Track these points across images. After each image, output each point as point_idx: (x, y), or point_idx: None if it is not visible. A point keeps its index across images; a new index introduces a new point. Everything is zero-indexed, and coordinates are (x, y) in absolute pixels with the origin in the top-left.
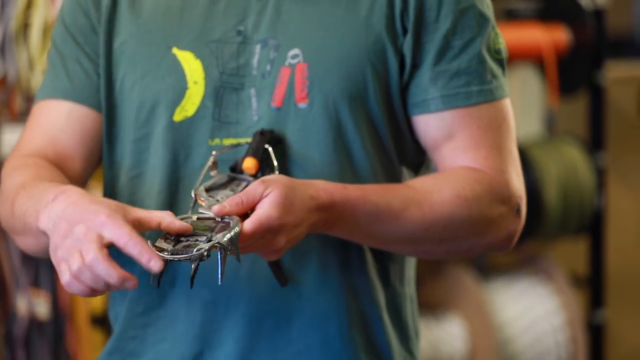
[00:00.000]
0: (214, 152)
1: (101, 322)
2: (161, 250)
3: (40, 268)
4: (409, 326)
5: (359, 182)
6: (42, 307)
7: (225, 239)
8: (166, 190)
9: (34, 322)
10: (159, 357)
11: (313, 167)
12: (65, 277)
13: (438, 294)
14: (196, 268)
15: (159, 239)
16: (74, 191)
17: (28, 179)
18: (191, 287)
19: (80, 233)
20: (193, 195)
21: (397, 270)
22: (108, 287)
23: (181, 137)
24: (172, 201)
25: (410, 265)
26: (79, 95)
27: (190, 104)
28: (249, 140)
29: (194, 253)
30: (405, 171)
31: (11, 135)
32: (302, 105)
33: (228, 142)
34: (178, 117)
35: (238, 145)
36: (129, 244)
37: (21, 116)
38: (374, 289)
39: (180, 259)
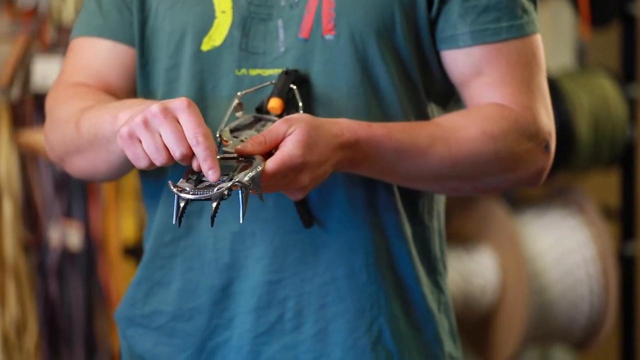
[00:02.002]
0: (238, 93)
1: (133, 252)
2: (182, 190)
3: (73, 198)
4: (437, 260)
5: (386, 116)
6: (74, 237)
7: (246, 177)
8: None
9: (66, 253)
10: (187, 287)
11: (339, 99)
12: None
13: (469, 226)
14: (217, 207)
15: (181, 180)
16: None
17: (93, 102)
18: (212, 225)
19: (154, 107)
20: (217, 136)
21: (425, 204)
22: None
23: (209, 67)
24: None
25: (439, 199)
26: (114, 32)
27: (217, 34)
28: (274, 72)
29: (214, 192)
30: (433, 106)
31: (43, 65)
32: (329, 36)
33: (254, 72)
34: (206, 46)
35: (262, 86)
36: (198, 136)
37: (53, 47)
38: (402, 223)
39: (201, 197)
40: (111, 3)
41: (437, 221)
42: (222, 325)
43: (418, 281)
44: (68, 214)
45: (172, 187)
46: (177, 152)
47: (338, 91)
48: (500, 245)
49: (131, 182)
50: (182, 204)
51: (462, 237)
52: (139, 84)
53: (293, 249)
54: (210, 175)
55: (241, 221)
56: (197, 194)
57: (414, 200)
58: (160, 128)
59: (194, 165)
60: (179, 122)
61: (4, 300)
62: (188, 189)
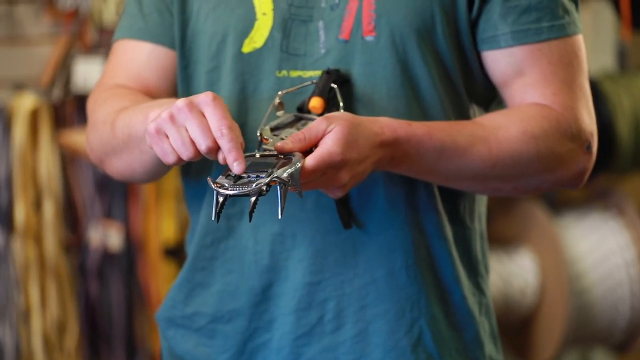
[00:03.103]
0: (279, 92)
1: (173, 253)
2: (221, 186)
3: (113, 198)
4: (478, 262)
5: (426, 117)
6: (114, 238)
7: (285, 174)
8: (236, 122)
9: (106, 254)
10: (227, 289)
11: (379, 101)
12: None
13: (510, 228)
14: (255, 203)
15: (220, 176)
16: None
17: (129, 103)
18: (250, 221)
19: (180, 102)
20: (258, 135)
21: (466, 205)
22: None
23: (249, 69)
24: (242, 132)
25: (481, 201)
26: (154, 34)
27: (258, 35)
28: (315, 73)
29: (252, 188)
30: (475, 107)
31: (84, 66)
32: (369, 38)
33: (295, 74)
34: (247, 48)
35: (303, 85)
36: (223, 128)
37: (94, 48)
38: (442, 223)
39: (239, 193)
40: (152, 5)
41: (479, 223)
42: (262, 327)
43: (459, 283)
44: (108, 214)
45: (211, 183)
46: (202, 146)
47: (378, 92)
48: (541, 248)
49: (171, 183)
50: (220, 200)
51: (502, 239)
52: (180, 85)
53: (333, 250)
54: (235, 167)
55: (279, 216)
56: (236, 190)
57: (455, 201)
58: (186, 122)
59: (220, 159)
60: (204, 116)
61: (45, 300)
62: (227, 184)
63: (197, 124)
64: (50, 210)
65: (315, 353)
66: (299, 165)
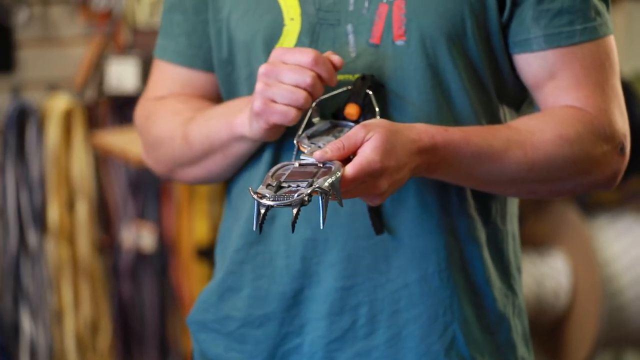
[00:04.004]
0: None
1: (206, 254)
2: (262, 196)
3: (146, 200)
4: (510, 263)
5: (457, 121)
6: (146, 239)
7: (326, 183)
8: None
9: (139, 255)
10: (257, 294)
11: (410, 105)
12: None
13: (542, 230)
14: (297, 213)
15: (261, 186)
16: None
17: (189, 113)
18: (292, 231)
19: (261, 69)
20: (295, 143)
21: (498, 207)
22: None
23: None
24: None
25: (512, 202)
26: (185, 58)
27: (287, 41)
28: (345, 77)
29: (294, 198)
30: (506, 109)
31: (117, 67)
32: (400, 42)
33: None
34: None
35: (338, 92)
36: (309, 54)
37: (127, 49)
38: (474, 227)
39: (281, 204)
40: (182, 26)
41: (510, 224)
42: (293, 331)
43: (491, 285)
44: (141, 215)
45: (252, 194)
46: (308, 79)
47: (409, 96)
48: (574, 250)
49: (203, 187)
50: (262, 211)
51: (535, 241)
52: (224, 92)
53: (366, 254)
54: (336, 60)
55: (322, 227)
56: (277, 200)
57: (487, 204)
58: (279, 76)
59: (323, 74)
60: (286, 61)
61: (78, 300)
62: (268, 195)
63: (289, 69)
64: (83, 210)
65: (348, 358)
66: (339, 174)
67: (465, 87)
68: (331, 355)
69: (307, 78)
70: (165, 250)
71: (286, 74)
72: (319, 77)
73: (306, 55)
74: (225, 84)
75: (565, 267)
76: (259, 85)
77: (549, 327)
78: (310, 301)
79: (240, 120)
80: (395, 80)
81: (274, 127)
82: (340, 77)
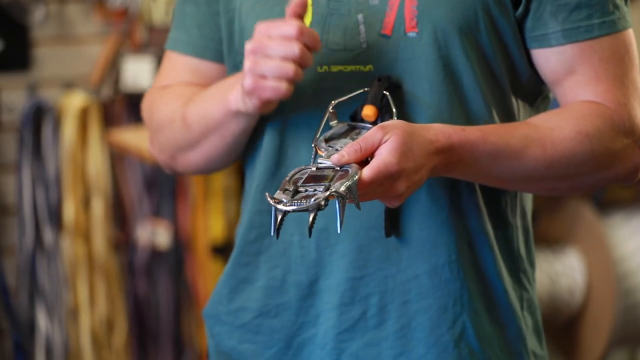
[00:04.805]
0: (332, 102)
1: (221, 252)
2: (279, 201)
3: (162, 197)
4: (521, 257)
5: (468, 114)
6: (162, 237)
7: (343, 187)
8: (278, 117)
9: (154, 252)
10: (273, 284)
11: (422, 97)
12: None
13: (556, 227)
14: (314, 218)
15: (278, 191)
16: None
17: (188, 96)
18: (309, 236)
19: (247, 46)
20: (313, 147)
21: (508, 201)
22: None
23: None
24: (285, 126)
25: (525, 197)
26: (196, 49)
27: None
28: (355, 68)
29: (311, 203)
30: (520, 104)
31: (133, 65)
32: (412, 34)
33: (336, 68)
34: None
35: (355, 94)
36: (290, 25)
37: (143, 47)
38: (484, 220)
39: (298, 209)
40: (194, 18)
41: (522, 219)
42: (309, 321)
43: (501, 278)
44: (157, 213)
45: (269, 199)
46: (295, 49)
47: (420, 89)
48: (588, 247)
49: (220, 181)
50: (279, 216)
51: (549, 238)
52: None
53: (376, 245)
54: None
55: (339, 231)
56: (294, 205)
57: (497, 198)
58: (266, 51)
59: (310, 43)
60: (271, 36)
61: (93, 298)
62: (285, 200)
63: (275, 43)
64: (99, 208)
65: (359, 348)
66: (356, 177)
67: (478, 80)
68: (342, 346)
69: (295, 49)
70: (180, 248)
71: (273, 48)
72: (306, 46)
73: (290, 27)
74: (233, 74)
75: (580, 264)
76: (247, 63)
77: (564, 324)
78: (323, 291)
79: (233, 97)
80: (406, 72)
81: (268, 102)
82: (350, 67)
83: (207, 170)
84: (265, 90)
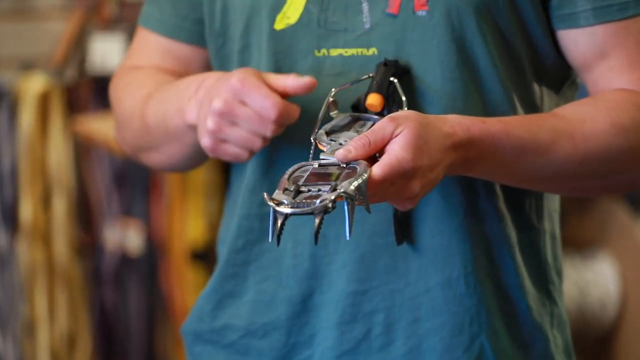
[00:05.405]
0: (332, 90)
1: (202, 257)
2: (279, 203)
3: (133, 194)
4: (548, 266)
5: (485, 102)
6: (133, 239)
7: (352, 187)
8: None
9: (124, 257)
10: (262, 298)
11: (433, 83)
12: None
13: (586, 230)
14: (320, 222)
15: (277, 191)
16: (213, 75)
17: (150, 88)
18: (315, 243)
19: (216, 105)
20: (313, 141)
21: (532, 202)
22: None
23: (283, 47)
24: None
25: (552, 197)
26: (169, 28)
27: (292, 10)
28: (357, 51)
29: (316, 205)
30: (544, 90)
31: (102, 43)
32: (421, 12)
33: (335, 52)
34: (279, 24)
35: (358, 80)
36: (270, 104)
37: (113, 23)
38: (504, 224)
39: (302, 212)
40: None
41: (549, 222)
42: (303, 342)
43: (524, 291)
44: (127, 212)
45: (268, 201)
46: (268, 131)
47: (431, 74)
48: (622, 253)
49: (199, 176)
50: (280, 220)
51: (578, 242)
52: (216, 67)
53: (382, 254)
54: (308, 82)
55: (348, 237)
56: (297, 207)
57: (520, 199)
58: (236, 120)
59: (286, 122)
60: (246, 104)
61: (53, 310)
62: (286, 201)
63: (248, 117)
64: (60, 207)
65: None
66: (366, 176)
67: (496, 64)
68: None
69: (267, 131)
70: (154, 253)
71: (244, 121)
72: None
73: (271, 106)
74: (216, 58)
75: (613, 272)
76: (210, 124)
77: (595, 341)
78: (320, 307)
79: (189, 112)
80: (416, 56)
81: None
82: (351, 51)
83: (175, 170)
84: (225, 154)
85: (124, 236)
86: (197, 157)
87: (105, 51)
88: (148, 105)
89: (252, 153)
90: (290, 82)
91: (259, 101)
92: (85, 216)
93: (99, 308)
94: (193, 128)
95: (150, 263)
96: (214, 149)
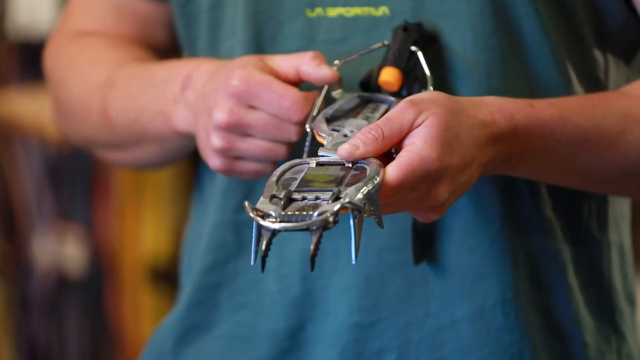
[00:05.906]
0: (336, 62)
1: (164, 277)
2: (265, 215)
3: (72, 194)
4: (614, 290)
5: (530, 78)
6: (72, 253)
7: (360, 195)
8: None
9: (60, 277)
10: (238, 333)
11: (463, 53)
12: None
13: None
14: (318, 242)
15: (262, 199)
16: (201, 68)
17: (108, 70)
18: (312, 269)
19: (219, 117)
20: (309, 130)
21: (592, 207)
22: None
23: (266, 6)
24: None
25: (619, 201)
26: None
27: None
28: (363, 10)
29: (314, 219)
30: (610, 60)
31: None
32: None
33: (334, 12)
34: None
35: (370, 49)
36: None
37: None
38: (554, 236)
39: (294, 228)
40: None
41: (616, 233)
42: None
43: (580, 324)
44: (65, 217)
45: (249, 212)
46: (293, 135)
47: (460, 42)
48: None
49: (159, 173)
50: (265, 237)
51: None
52: (181, 31)
53: (394, 276)
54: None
55: (353, 261)
56: (289, 223)
57: (575, 203)
58: (248, 130)
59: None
60: (256, 108)
61: None
62: (274, 213)
63: (263, 124)
64: None
65: None
66: (378, 179)
67: (545, 28)
68: None
69: (291, 136)
70: (99, 271)
71: (259, 131)
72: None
73: (289, 104)
74: (181, 17)
75: None
76: (217, 141)
77: None
78: (313, 344)
79: (178, 118)
80: (441, 19)
81: None
82: (355, 10)
83: (143, 169)
84: (243, 173)
85: (60, 249)
86: (177, 157)
87: (33, 6)
88: (111, 97)
89: (275, 164)
90: (306, 68)
91: (273, 102)
92: (9, 223)
93: (28, 342)
94: (183, 134)
95: (95, 285)
96: (228, 170)
